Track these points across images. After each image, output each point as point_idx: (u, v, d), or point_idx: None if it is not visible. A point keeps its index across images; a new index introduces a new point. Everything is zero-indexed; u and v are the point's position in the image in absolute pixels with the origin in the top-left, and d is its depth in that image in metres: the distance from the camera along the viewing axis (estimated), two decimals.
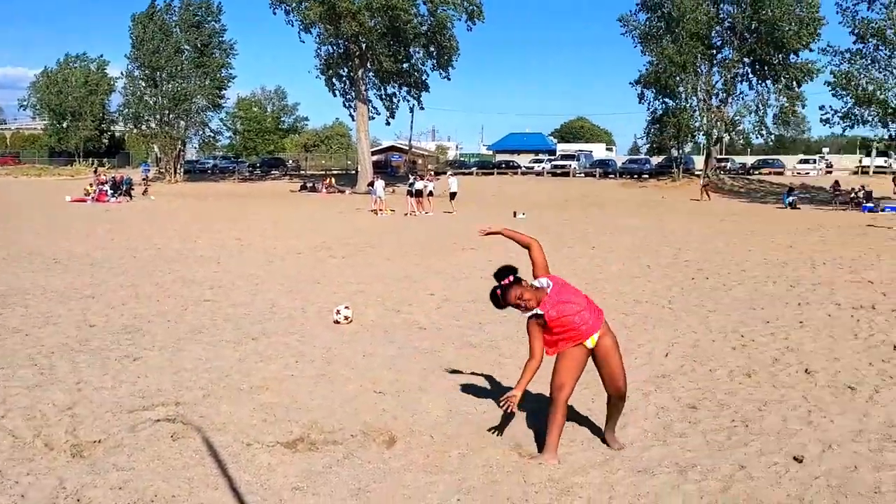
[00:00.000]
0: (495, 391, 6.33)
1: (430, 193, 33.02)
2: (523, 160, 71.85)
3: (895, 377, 6.69)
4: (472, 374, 6.91)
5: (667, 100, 52.48)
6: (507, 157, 77.17)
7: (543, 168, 65.58)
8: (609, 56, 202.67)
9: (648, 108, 54.15)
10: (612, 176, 60.63)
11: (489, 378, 6.77)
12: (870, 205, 33.53)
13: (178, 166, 64.56)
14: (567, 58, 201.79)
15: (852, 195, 37.00)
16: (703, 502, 4.18)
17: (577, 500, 4.25)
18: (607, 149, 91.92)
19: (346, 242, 19.10)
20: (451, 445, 5.07)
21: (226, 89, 66.70)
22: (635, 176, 59.14)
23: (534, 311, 4.79)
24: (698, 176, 53.95)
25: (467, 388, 6.41)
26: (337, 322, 9.06)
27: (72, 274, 12.95)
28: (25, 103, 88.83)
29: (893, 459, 4.74)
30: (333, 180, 55.46)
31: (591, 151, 77.56)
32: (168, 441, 5.03)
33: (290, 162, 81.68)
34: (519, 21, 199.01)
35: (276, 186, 57.92)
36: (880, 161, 58.09)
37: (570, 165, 64.22)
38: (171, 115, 63.42)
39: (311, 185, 54.41)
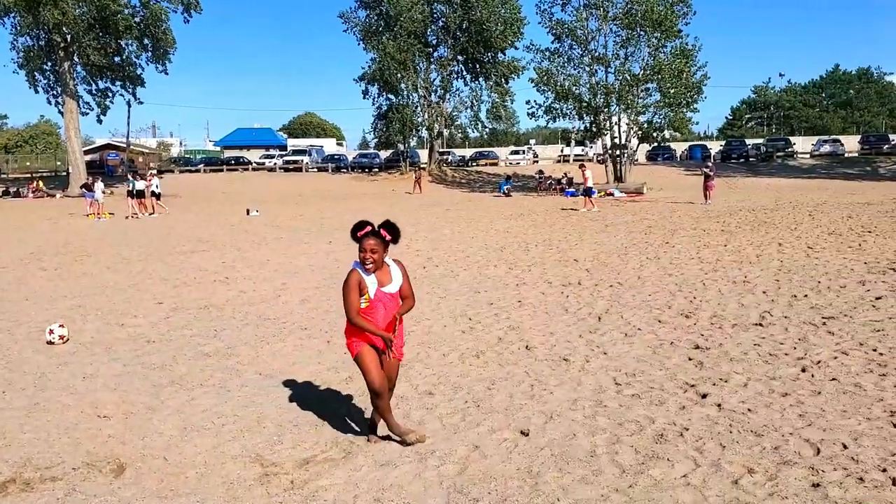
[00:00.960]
0: (234, 401, 6.12)
1: (154, 194, 30.93)
2: (253, 156, 70.36)
3: (601, 346, 7.49)
4: (209, 385, 6.60)
5: (390, 96, 54.07)
6: (236, 153, 75.05)
7: (275, 164, 64.74)
8: (336, 51, 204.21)
9: (374, 104, 55.52)
10: (345, 170, 61.42)
11: (225, 388, 6.51)
12: (571, 190, 37.17)
13: None
14: (293, 53, 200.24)
15: (550, 181, 40.88)
16: (442, 487, 4.36)
17: None
18: (338, 144, 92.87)
19: (59, 252, 17.37)
20: (188, 466, 4.80)
21: None
22: (366, 170, 60.45)
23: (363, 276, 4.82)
24: (424, 168, 56.36)
25: (203, 402, 6.12)
26: (51, 343, 8.21)
27: None
28: None
29: (605, 423, 5.29)
30: (41, 183, 50.19)
31: (322, 146, 77.90)
32: None
33: None
34: (241, 15, 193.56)
35: None
36: (578, 150, 64.77)
37: (303, 160, 64.06)
38: None
39: (14, 189, 48.94)
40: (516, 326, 8.54)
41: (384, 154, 64.66)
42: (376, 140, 59.85)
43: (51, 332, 8.36)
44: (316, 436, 5.32)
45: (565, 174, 41.84)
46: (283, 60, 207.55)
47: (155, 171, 44.89)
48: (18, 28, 46.30)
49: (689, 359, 6.90)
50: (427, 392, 6.23)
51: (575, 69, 41.54)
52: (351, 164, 63.60)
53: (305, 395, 6.29)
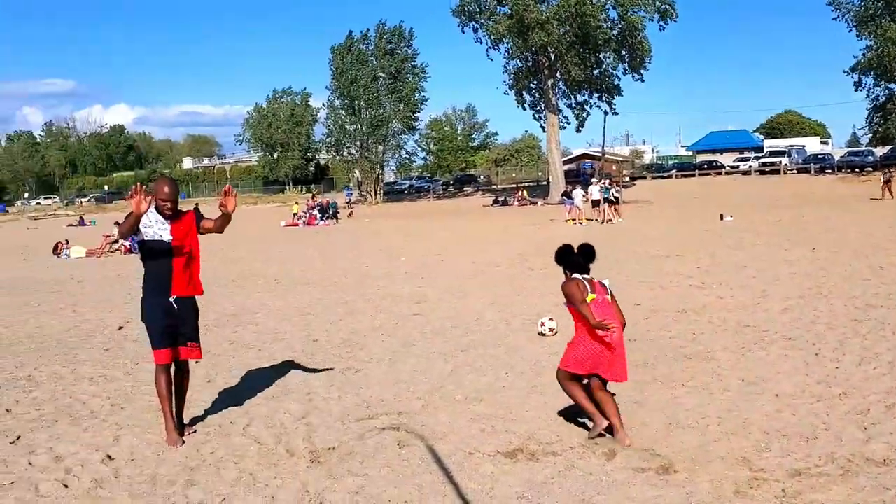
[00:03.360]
0: (717, 404, 6.05)
1: (616, 200, 32.00)
2: (727, 159, 68.48)
3: None
4: (690, 386, 6.64)
5: (890, 85, 47.80)
6: (708, 157, 73.97)
7: (750, 166, 62.05)
8: (818, 44, 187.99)
9: (868, 96, 49.69)
10: (830, 171, 56.03)
11: (708, 391, 6.47)
12: None
13: (378, 188, 68.04)
14: (769, 50, 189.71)
15: None
16: None
17: None
18: (822, 142, 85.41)
19: (543, 254, 19.07)
20: (675, 459, 4.90)
21: (419, 112, 69.60)
22: (857, 170, 54.26)
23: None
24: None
25: (686, 402, 6.17)
26: (542, 334, 9.08)
27: (292, 294, 13.97)
28: (241, 138, 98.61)
29: None
30: (525, 192, 55.81)
31: (804, 146, 72.26)
32: (395, 449, 5.27)
33: (482, 177, 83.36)
34: (712, 14, 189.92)
35: (469, 202, 59.30)
36: None
37: (781, 162, 60.21)
38: (369, 141, 67.15)
39: (502, 198, 55.12)
40: None
41: (880, 151, 57.25)
42: (870, 136, 53.40)
43: (542, 324, 9.24)
44: (808, 448, 4.99)
45: None
46: (757, 58, 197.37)
47: (626, 178, 46.49)
48: (510, 52, 52.27)
49: None
50: None
51: None
52: (838, 164, 57.73)
53: (792, 405, 5.94)
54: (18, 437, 5.86)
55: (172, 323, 5.58)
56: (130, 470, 5.09)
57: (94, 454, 5.40)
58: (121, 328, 10.78)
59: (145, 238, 5.47)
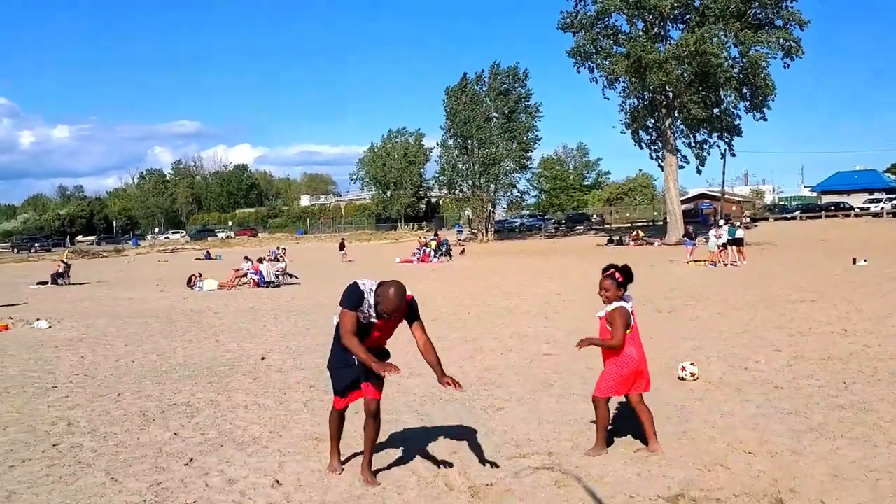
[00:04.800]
0: (884, 458, 5.80)
1: (740, 241, 30.64)
2: (856, 201, 65.26)
3: None
4: (850, 437, 6.38)
5: None
6: (835, 198, 70.74)
7: (882, 208, 58.82)
8: None
9: None
10: None
11: (871, 443, 6.20)
12: None
13: (489, 226, 68.55)
14: None
15: None
16: None
17: None
18: None
19: (668, 296, 18.74)
20: None
21: (531, 151, 69.98)
22: None
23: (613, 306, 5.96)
24: None
25: (849, 454, 5.93)
26: (682, 379, 8.91)
27: None
28: (355, 176, 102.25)
29: None
30: (641, 232, 54.83)
31: None
32: (553, 488, 5.32)
33: (594, 216, 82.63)
34: (836, 48, 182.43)
35: (582, 241, 58.76)
36: None
37: None
38: (481, 179, 67.99)
39: (617, 238, 54.36)
40: None
41: None
42: None
43: (682, 368, 9.06)
44: None
45: None
46: (887, 93, 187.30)
47: (747, 219, 44.81)
48: (627, 92, 51.96)
49: None
50: None
51: None
52: None
53: None
54: (191, 460, 6.26)
55: (356, 374, 5.51)
56: (300, 496, 5.36)
57: (264, 479, 5.72)
58: (263, 359, 11.33)
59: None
